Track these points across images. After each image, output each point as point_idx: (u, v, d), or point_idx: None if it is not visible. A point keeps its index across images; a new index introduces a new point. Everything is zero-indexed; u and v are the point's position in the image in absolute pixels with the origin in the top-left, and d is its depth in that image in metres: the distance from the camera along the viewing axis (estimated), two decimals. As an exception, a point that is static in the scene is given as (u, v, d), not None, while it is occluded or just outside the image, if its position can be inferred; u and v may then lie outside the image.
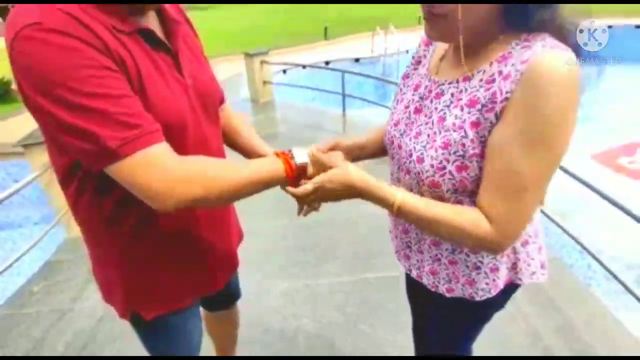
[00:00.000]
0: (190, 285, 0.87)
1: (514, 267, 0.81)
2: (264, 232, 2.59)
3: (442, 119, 0.71)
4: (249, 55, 6.24)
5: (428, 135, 0.72)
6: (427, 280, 0.88)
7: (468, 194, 0.71)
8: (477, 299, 0.82)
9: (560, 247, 2.89)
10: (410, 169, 0.76)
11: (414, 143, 0.75)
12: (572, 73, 0.57)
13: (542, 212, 2.25)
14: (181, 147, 0.66)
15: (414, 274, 0.91)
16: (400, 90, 0.87)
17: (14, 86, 6.24)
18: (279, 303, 2.01)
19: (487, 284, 0.81)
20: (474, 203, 0.70)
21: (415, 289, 0.99)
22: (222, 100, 0.97)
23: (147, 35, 0.65)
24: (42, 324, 2.07)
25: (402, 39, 10.81)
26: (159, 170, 0.58)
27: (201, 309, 1.10)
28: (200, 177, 0.62)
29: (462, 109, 0.68)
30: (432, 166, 0.70)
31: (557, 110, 0.57)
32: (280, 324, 1.87)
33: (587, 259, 2.42)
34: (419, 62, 0.87)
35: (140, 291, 0.81)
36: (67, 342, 1.95)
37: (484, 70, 0.66)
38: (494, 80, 0.63)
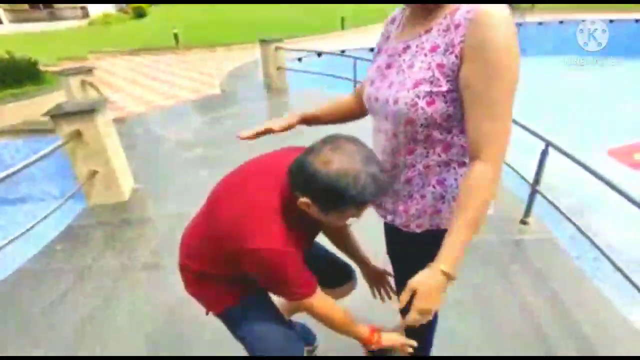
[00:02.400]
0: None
1: None
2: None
3: (411, 65, 0.83)
4: (264, 42, 6.34)
5: (400, 82, 0.84)
6: (399, 220, 0.99)
7: (437, 127, 0.84)
8: (442, 227, 0.93)
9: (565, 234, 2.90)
10: (388, 114, 0.87)
11: (389, 91, 0.86)
12: (509, 17, 0.73)
13: (556, 207, 2.29)
14: None
15: (389, 219, 1.03)
16: (374, 59, 1.00)
17: (40, 66, 6.53)
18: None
19: (450, 213, 0.91)
20: (441, 135, 0.85)
21: (389, 233, 1.12)
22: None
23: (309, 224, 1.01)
24: (65, 279, 2.25)
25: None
26: (316, 307, 0.99)
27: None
28: (331, 311, 1.01)
29: (426, 55, 0.80)
30: (406, 104, 0.81)
31: (506, 38, 0.71)
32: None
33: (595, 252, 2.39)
34: (387, 38, 0.98)
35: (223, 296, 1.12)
36: (87, 293, 2.12)
37: (441, 23, 0.79)
38: (449, 29, 0.77)
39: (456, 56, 0.76)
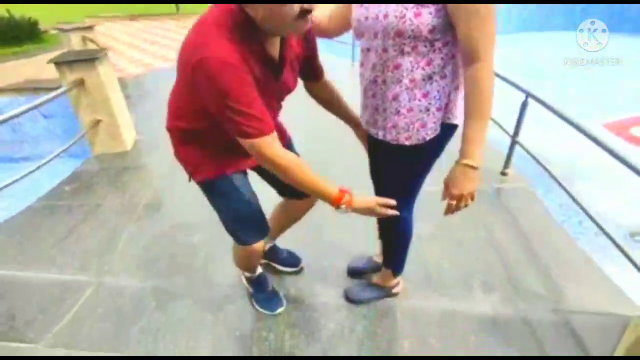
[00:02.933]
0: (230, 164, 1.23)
1: (446, 107, 1.07)
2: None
3: None
4: None
5: (386, 5, 0.95)
6: (389, 136, 1.13)
7: (422, 39, 0.95)
8: (428, 138, 1.08)
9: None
10: (378, 30, 0.99)
11: (379, 8, 0.97)
12: None
13: (533, 156, 2.43)
14: None
15: (380, 135, 1.16)
16: None
17: (40, 26, 6.51)
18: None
19: (434, 122, 1.06)
20: (425, 48, 0.97)
21: (376, 149, 1.26)
22: (319, 76, 1.32)
23: (267, 59, 0.99)
24: (74, 213, 2.44)
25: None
26: (269, 149, 0.96)
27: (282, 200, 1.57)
28: (288, 162, 0.99)
29: None
30: (395, 17, 0.93)
31: None
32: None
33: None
34: None
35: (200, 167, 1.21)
36: (94, 227, 2.30)
37: None
38: None
39: None
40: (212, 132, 1.08)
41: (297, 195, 1.44)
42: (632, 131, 6.89)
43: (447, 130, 1.11)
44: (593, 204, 3.85)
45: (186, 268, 1.92)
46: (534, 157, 2.43)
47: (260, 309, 1.64)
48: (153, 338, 1.55)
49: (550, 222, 2.22)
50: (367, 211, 1.12)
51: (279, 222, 1.66)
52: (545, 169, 2.33)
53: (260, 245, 1.35)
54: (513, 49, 11.59)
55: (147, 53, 7.65)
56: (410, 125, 1.08)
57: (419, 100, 1.04)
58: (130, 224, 2.30)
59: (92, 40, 4.30)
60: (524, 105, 2.38)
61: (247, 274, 1.61)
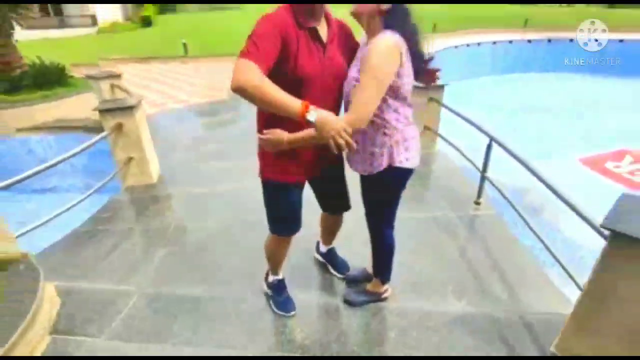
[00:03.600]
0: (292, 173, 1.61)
1: (390, 155, 1.55)
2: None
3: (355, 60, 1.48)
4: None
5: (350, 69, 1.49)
6: (358, 168, 1.64)
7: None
8: (374, 172, 1.58)
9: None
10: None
11: (350, 76, 1.48)
12: (392, 41, 1.30)
13: (499, 190, 2.92)
14: (306, 93, 1.35)
15: (353, 168, 1.67)
16: None
17: (67, 71, 7.18)
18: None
19: (379, 163, 1.56)
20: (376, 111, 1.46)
21: (361, 182, 1.74)
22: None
23: (312, 31, 1.37)
24: (113, 236, 2.86)
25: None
26: (244, 69, 1.18)
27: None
28: (253, 80, 1.17)
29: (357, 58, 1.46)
30: (351, 78, 1.45)
31: (378, 53, 1.30)
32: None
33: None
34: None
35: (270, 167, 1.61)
36: (132, 247, 2.73)
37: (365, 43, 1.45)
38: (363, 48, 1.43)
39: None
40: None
41: (330, 211, 2.01)
42: (606, 165, 7.49)
43: (393, 171, 1.57)
44: (564, 229, 4.34)
45: (211, 277, 2.34)
46: (500, 192, 2.91)
47: (277, 310, 2.04)
48: (192, 331, 1.94)
49: (513, 242, 2.67)
50: (329, 128, 1.22)
51: (323, 230, 2.21)
52: (509, 202, 2.80)
53: (287, 240, 1.83)
54: (503, 88, 12.55)
55: (158, 93, 8.33)
56: (368, 163, 1.58)
57: (371, 147, 1.54)
58: (162, 243, 2.73)
59: (119, 87, 4.90)
60: (488, 148, 2.89)
61: (270, 279, 2.04)
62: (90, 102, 6.59)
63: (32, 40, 19.10)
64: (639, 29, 16.93)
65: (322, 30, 1.41)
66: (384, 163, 1.55)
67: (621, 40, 13.87)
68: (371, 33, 1.42)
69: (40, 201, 5.27)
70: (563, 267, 2.08)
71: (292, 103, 1.20)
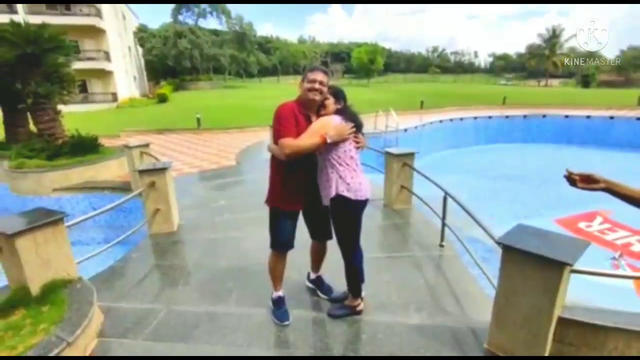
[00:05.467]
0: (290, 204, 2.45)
1: (336, 187, 2.30)
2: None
3: None
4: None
5: None
6: (325, 201, 2.39)
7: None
8: (328, 201, 2.34)
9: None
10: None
11: None
12: (335, 119, 2.28)
13: (456, 235, 3.64)
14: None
15: (323, 201, 2.42)
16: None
17: (99, 140, 8.31)
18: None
19: (329, 193, 2.31)
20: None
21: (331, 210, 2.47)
22: None
23: (306, 115, 2.34)
24: (142, 270, 3.50)
25: (402, 120, 12.95)
26: (286, 144, 2.19)
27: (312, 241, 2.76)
28: (294, 146, 2.18)
29: None
30: None
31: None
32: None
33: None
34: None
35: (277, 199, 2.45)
36: (158, 278, 3.35)
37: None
38: None
39: None
40: (284, 178, 2.36)
41: (317, 238, 2.72)
42: (579, 225, 8.21)
43: (344, 201, 2.31)
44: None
45: (223, 300, 2.94)
46: (457, 237, 3.61)
47: (276, 320, 2.63)
48: (209, 335, 2.51)
49: (465, 273, 3.30)
50: (341, 130, 2.20)
51: (312, 257, 2.87)
52: (463, 245, 3.47)
53: (282, 256, 2.54)
54: (485, 157, 13.75)
55: (176, 160, 9.36)
56: (326, 195, 2.35)
57: (327, 182, 2.33)
58: (183, 275, 3.35)
59: (148, 154, 5.87)
60: (444, 200, 3.67)
61: (274, 295, 2.68)
62: (114, 167, 7.58)
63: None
64: (602, 107, 18.94)
65: (313, 117, 2.36)
66: (333, 192, 2.30)
67: (588, 117, 15.54)
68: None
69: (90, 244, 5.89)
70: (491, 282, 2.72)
71: (316, 141, 2.16)
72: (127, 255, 3.85)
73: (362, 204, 2.37)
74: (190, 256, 3.78)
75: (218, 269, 3.44)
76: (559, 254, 1.86)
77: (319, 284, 2.95)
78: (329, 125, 2.23)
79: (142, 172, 4.14)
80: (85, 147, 7.43)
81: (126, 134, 14.75)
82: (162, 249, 3.97)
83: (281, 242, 2.50)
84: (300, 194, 2.42)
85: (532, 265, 1.93)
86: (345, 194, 2.30)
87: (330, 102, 2.35)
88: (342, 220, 2.42)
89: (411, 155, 4.74)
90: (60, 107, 7.90)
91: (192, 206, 5.53)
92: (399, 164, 4.76)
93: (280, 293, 2.69)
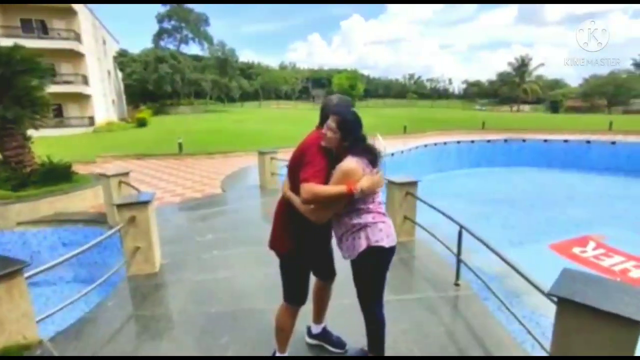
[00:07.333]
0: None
1: (367, 238, 1.98)
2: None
3: None
4: (261, 153, 7.90)
5: None
6: (346, 255, 2.05)
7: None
8: (356, 255, 1.99)
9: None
10: None
11: None
12: (351, 164, 1.89)
13: (472, 271, 3.35)
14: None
15: (343, 255, 2.08)
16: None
17: (72, 168, 7.70)
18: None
19: (360, 245, 1.97)
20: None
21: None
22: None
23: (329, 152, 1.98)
24: (114, 324, 2.99)
25: (387, 144, 12.93)
26: (311, 187, 1.83)
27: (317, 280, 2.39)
28: (319, 191, 1.82)
29: None
30: None
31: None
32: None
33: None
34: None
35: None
36: (135, 331, 2.85)
37: None
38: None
39: None
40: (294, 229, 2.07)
41: (321, 275, 2.37)
42: (573, 250, 8.12)
43: (376, 252, 1.98)
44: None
45: (219, 337, 2.49)
46: (475, 273, 3.30)
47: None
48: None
49: (487, 314, 2.99)
50: (374, 184, 1.89)
51: (315, 301, 2.44)
52: (484, 282, 3.18)
53: (294, 311, 2.15)
54: (471, 180, 13.80)
55: (157, 188, 8.81)
56: (351, 249, 2.01)
57: (352, 234, 1.99)
58: (167, 328, 2.88)
59: (127, 183, 5.37)
60: (460, 235, 3.38)
61: (277, 354, 2.25)
62: (89, 196, 6.99)
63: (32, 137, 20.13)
64: (576, 131, 19.74)
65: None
66: (364, 244, 1.97)
67: (566, 141, 16.05)
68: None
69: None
70: (534, 337, 2.41)
71: (342, 190, 1.81)
72: (101, 302, 3.33)
73: (395, 249, 2.05)
74: (175, 303, 3.30)
75: (208, 318, 2.98)
76: (630, 309, 1.57)
77: (327, 337, 2.55)
78: (352, 174, 1.86)
79: (121, 206, 3.69)
80: (57, 175, 6.83)
81: (103, 160, 14.02)
82: (142, 294, 3.47)
83: (293, 297, 2.14)
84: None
85: (598, 323, 1.63)
86: (380, 243, 1.97)
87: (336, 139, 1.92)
88: (372, 272, 2.06)
89: (414, 184, 4.50)
90: (31, 132, 7.33)
91: (175, 239, 5.03)
92: (401, 192, 4.50)
93: (285, 354, 2.28)
